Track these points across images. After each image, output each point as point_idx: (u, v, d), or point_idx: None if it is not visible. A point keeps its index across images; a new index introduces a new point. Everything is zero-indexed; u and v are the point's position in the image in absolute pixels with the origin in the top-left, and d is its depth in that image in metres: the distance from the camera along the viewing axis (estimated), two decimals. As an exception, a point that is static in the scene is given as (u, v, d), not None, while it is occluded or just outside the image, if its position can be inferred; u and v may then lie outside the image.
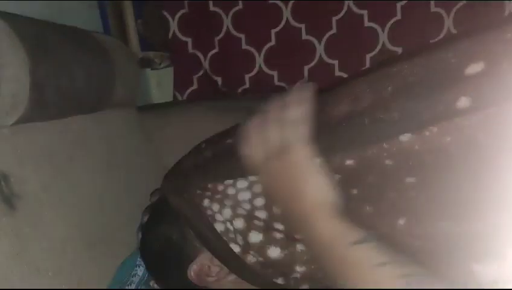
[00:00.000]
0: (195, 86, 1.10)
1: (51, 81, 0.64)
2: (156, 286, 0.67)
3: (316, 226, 0.46)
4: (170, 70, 1.11)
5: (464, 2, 0.96)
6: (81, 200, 0.68)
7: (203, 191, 0.55)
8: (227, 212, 0.54)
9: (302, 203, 0.47)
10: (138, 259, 0.68)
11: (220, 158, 0.56)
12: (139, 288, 0.66)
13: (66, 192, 0.67)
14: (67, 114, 0.72)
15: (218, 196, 0.54)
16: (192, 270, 0.58)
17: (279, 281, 0.55)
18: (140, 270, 0.68)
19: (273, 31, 1.05)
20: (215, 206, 0.55)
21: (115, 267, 0.68)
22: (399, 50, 1.02)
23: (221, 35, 1.07)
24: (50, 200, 0.63)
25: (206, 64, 1.08)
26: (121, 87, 0.86)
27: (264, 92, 1.08)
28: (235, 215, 0.54)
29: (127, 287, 0.66)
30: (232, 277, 0.58)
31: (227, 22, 1.05)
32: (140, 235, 0.65)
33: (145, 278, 0.67)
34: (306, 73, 1.07)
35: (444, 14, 0.97)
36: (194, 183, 0.56)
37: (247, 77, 1.08)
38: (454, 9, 0.96)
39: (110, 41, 0.88)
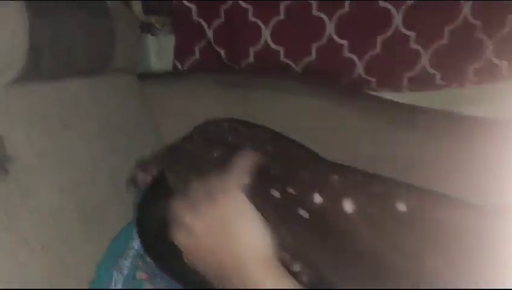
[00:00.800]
0: (196, 56, 1.06)
1: (49, 40, 0.59)
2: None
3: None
4: (171, 38, 1.06)
5: None
6: (75, 169, 0.65)
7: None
8: None
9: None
10: (135, 232, 0.65)
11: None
12: (134, 263, 0.63)
13: (60, 159, 0.63)
14: (64, 76, 0.68)
15: None
16: None
17: None
18: (137, 244, 0.65)
19: (282, 4, 1.00)
20: None
21: (110, 239, 0.65)
22: (412, 34, 0.98)
23: (227, 5, 1.01)
24: (43, 167, 0.60)
25: (209, 34, 1.03)
26: (122, 52, 0.81)
27: (269, 68, 1.04)
28: None
29: (122, 261, 0.63)
30: None
31: (235, -10, 1.00)
32: (136, 214, 0.62)
33: (142, 252, 0.64)
34: (314, 52, 1.03)
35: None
36: (191, 175, 0.55)
37: (252, 50, 1.03)
38: None
39: (112, 4, 0.83)
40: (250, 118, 0.77)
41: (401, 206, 0.50)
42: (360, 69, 1.02)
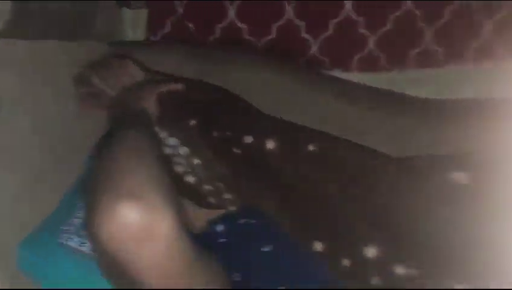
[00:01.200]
0: (167, 29, 1.15)
1: (36, 2, 0.68)
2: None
3: None
4: (145, 12, 1.16)
5: None
6: (46, 116, 0.75)
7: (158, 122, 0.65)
8: (174, 141, 0.64)
9: None
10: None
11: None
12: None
13: (33, 107, 0.73)
14: (46, 36, 0.77)
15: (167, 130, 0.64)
16: None
17: (211, 199, 0.65)
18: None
19: (247, -14, 1.10)
20: (163, 134, 0.64)
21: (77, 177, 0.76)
22: (361, 20, 1.09)
23: (198, -17, 1.11)
24: (18, 112, 0.70)
25: (180, 9, 1.13)
26: (101, 21, 0.91)
27: (234, 43, 1.14)
28: (180, 144, 0.64)
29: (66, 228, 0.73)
30: None
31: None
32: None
33: None
34: (274, 31, 1.13)
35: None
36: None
37: (218, 27, 1.13)
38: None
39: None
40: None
41: (311, 147, 0.62)
42: (314, 49, 1.14)
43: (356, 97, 1.04)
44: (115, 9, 1.07)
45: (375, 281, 0.56)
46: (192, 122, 0.64)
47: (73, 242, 0.70)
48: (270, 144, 0.62)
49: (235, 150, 0.63)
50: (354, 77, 1.14)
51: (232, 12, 1.12)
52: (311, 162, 0.62)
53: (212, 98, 0.70)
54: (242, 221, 0.63)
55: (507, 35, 1.08)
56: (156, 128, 0.65)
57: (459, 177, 0.62)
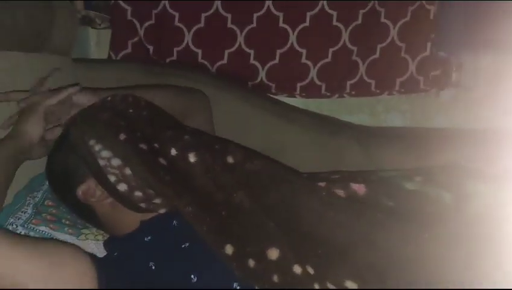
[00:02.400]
0: (129, 50, 1.25)
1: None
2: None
3: None
4: (109, 32, 1.26)
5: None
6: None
7: (92, 136, 0.73)
8: (107, 153, 0.72)
9: None
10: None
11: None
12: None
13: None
14: (6, 47, 0.86)
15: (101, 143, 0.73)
16: (81, 190, 0.73)
17: (142, 205, 0.73)
18: (30, 208, 0.81)
19: (203, 15, 1.22)
20: (98, 147, 0.73)
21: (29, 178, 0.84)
22: (303, 51, 1.22)
23: (158, 9, 1.22)
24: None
25: (141, 33, 1.23)
26: (58, 35, 1.00)
27: (189, 65, 1.25)
28: (113, 156, 0.72)
29: (36, 192, 0.81)
30: (110, 200, 0.73)
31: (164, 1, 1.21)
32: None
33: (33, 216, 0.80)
34: (226, 56, 1.25)
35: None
36: (88, 130, 0.74)
37: (175, 50, 1.24)
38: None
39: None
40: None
41: (230, 159, 0.72)
42: (262, 75, 1.25)
43: (295, 119, 1.15)
44: (75, 27, 1.16)
45: (275, 279, 0.64)
46: (122, 136, 0.72)
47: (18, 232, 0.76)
48: (192, 158, 0.71)
49: (161, 160, 0.71)
50: (298, 102, 1.27)
51: (188, 37, 1.24)
52: (228, 174, 0.71)
53: (141, 113, 0.79)
54: (168, 222, 0.71)
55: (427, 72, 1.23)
56: (92, 142, 0.73)
57: (358, 188, 0.72)
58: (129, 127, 0.74)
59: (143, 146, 0.72)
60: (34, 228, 0.76)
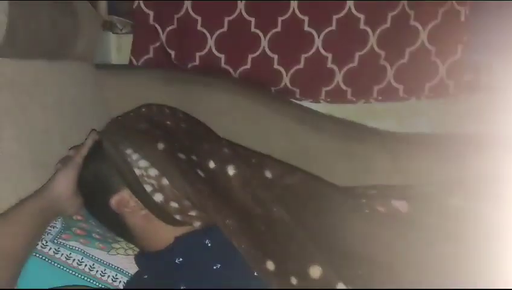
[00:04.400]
0: (150, 55, 1.23)
1: (22, 22, 0.76)
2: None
3: None
4: (130, 37, 1.24)
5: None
6: (33, 129, 0.81)
7: (128, 145, 0.71)
8: (144, 162, 0.70)
9: None
10: None
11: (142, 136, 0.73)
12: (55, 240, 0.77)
13: (22, 120, 0.79)
14: (33, 56, 0.84)
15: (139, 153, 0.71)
16: (114, 199, 0.72)
17: (177, 217, 0.71)
18: (60, 223, 0.79)
19: (226, 19, 1.19)
20: (135, 156, 0.71)
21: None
22: (329, 55, 1.19)
23: (180, 14, 1.20)
24: (8, 124, 0.76)
25: (163, 37, 1.21)
26: (82, 42, 0.98)
27: (211, 71, 1.22)
28: (150, 166, 0.70)
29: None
30: (145, 211, 0.72)
31: (187, 3, 1.18)
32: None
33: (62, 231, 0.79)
34: (249, 61, 1.22)
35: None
36: (123, 139, 0.72)
37: (197, 55, 1.22)
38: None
39: (80, 3, 1.00)
40: (187, 108, 0.95)
41: (268, 173, 0.70)
42: (286, 80, 1.22)
43: (320, 126, 1.13)
44: (97, 32, 1.14)
45: None
46: (161, 145, 0.70)
47: (47, 249, 0.74)
48: (231, 171, 0.70)
49: (199, 172, 0.70)
50: (322, 107, 1.24)
51: (211, 42, 1.21)
52: (267, 188, 0.69)
53: (179, 124, 0.77)
54: (202, 241, 0.69)
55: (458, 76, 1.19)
56: (129, 151, 0.71)
57: (400, 205, 0.70)
58: (167, 137, 0.72)
59: (181, 156, 0.70)
60: (64, 244, 0.75)
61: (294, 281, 0.62)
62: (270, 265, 0.63)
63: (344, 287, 0.61)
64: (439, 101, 1.23)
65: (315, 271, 0.62)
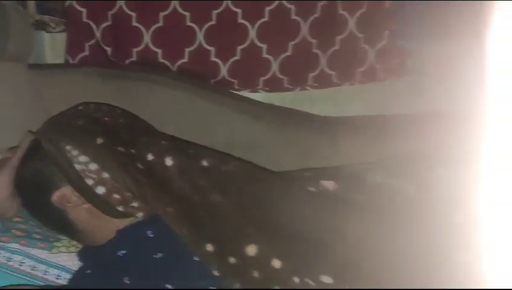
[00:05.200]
0: (86, 53, 1.22)
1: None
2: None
3: None
4: (64, 35, 1.22)
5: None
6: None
7: (68, 142, 0.73)
8: (84, 158, 0.72)
9: None
10: None
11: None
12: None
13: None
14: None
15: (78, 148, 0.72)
16: (55, 196, 0.73)
17: (120, 208, 0.73)
18: None
19: (161, 14, 1.20)
20: (75, 152, 0.72)
21: None
22: (264, 46, 1.23)
23: (114, 10, 1.19)
24: None
25: (98, 34, 1.20)
26: (13, 43, 0.97)
27: (149, 66, 1.23)
28: (90, 161, 0.72)
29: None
30: (87, 205, 0.74)
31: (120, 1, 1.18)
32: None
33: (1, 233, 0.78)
34: (187, 55, 1.24)
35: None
36: (62, 136, 0.73)
37: (134, 50, 1.22)
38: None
39: (7, 4, 0.98)
40: (126, 104, 0.96)
41: (204, 162, 0.73)
42: (224, 71, 1.25)
43: (260, 114, 1.16)
44: (29, 32, 1.12)
45: (255, 275, 0.66)
46: (100, 140, 0.72)
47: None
48: (169, 161, 0.72)
49: (139, 165, 0.72)
50: (261, 96, 1.28)
51: (147, 37, 1.22)
52: (204, 176, 0.72)
53: (117, 120, 0.79)
54: (143, 232, 0.72)
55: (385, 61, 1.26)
56: (68, 147, 0.72)
57: (329, 184, 0.75)
58: (106, 132, 0.74)
59: (121, 150, 0.72)
60: (3, 247, 0.74)
61: (232, 260, 0.66)
62: (210, 247, 0.67)
63: (279, 263, 0.65)
64: (370, 85, 1.30)
65: (251, 249, 0.66)
